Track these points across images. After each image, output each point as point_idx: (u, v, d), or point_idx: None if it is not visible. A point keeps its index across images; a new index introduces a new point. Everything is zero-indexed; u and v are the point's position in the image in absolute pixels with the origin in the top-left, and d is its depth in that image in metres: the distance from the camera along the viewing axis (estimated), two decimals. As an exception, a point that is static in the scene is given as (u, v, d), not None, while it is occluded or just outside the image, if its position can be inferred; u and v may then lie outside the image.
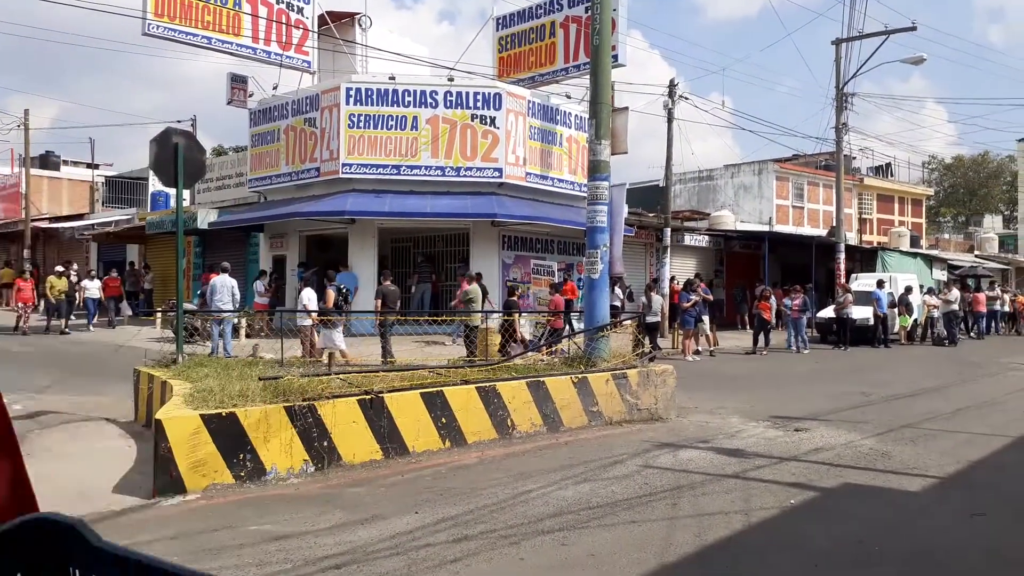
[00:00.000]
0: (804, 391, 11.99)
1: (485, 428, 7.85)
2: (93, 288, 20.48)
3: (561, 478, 6.43)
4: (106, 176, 37.81)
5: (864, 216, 35.36)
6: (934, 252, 33.89)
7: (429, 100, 18.32)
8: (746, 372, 14.61)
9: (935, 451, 7.61)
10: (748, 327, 21.82)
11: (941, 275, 30.37)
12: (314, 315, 12.70)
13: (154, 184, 31.56)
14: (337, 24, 21.24)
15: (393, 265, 18.91)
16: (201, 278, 21.25)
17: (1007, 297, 26.62)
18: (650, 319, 16.47)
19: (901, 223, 36.58)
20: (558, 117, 20.08)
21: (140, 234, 25.31)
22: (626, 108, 20.29)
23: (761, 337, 18.30)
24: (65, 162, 38.91)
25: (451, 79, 18.65)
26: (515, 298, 14.41)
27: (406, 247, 21.13)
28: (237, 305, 14.34)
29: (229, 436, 6.24)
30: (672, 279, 21.95)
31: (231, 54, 20.06)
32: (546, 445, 7.87)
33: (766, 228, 28.45)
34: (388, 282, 14.57)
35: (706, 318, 17.48)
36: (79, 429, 8.49)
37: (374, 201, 17.88)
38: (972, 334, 24.17)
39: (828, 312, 20.51)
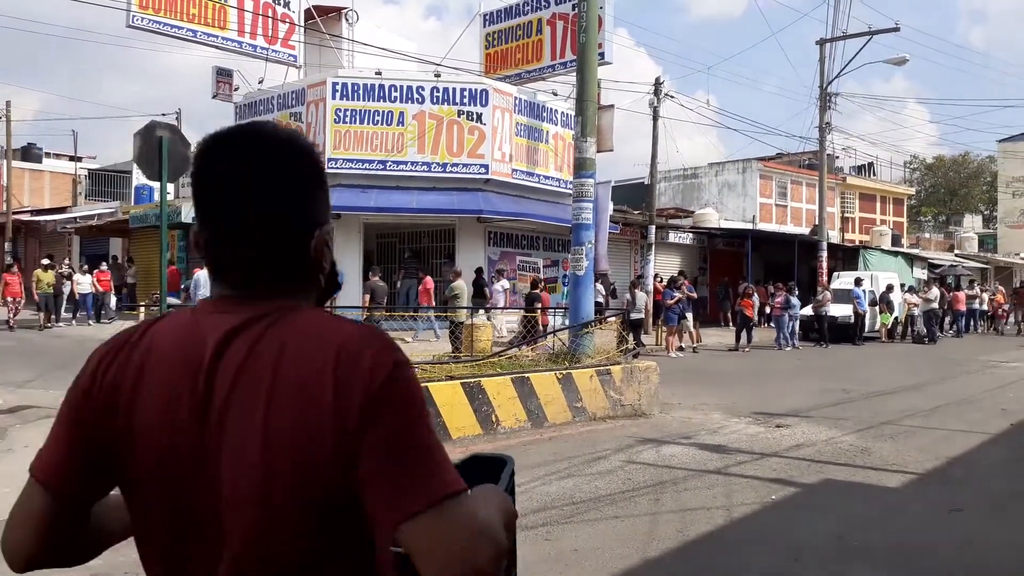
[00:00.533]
0: (786, 388, 12.11)
1: (470, 423, 7.87)
2: (86, 283, 20.23)
3: (545, 473, 6.47)
4: (89, 169, 37.44)
5: (846, 215, 35.69)
6: (915, 251, 34.26)
7: (416, 96, 18.28)
8: (728, 369, 14.72)
9: (914, 447, 7.72)
10: (731, 324, 21.98)
11: (922, 274, 30.71)
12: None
13: (138, 178, 31.28)
14: (324, 18, 21.14)
15: (379, 261, 18.88)
16: (168, 271, 21.08)
17: (986, 296, 26.93)
18: (634, 316, 16.54)
19: (883, 222, 36.95)
20: (544, 114, 20.10)
21: (123, 228, 25.08)
22: (612, 106, 20.36)
23: (744, 334, 18.43)
24: (47, 154, 38.49)
25: (438, 75, 18.62)
26: (538, 291, 14.50)
27: (392, 243, 21.08)
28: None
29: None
30: (656, 276, 22.05)
31: (216, 47, 19.92)
32: (530, 440, 7.91)
33: (750, 226, 28.64)
34: (376, 278, 14.55)
35: (690, 315, 17.58)
36: (60, 424, 8.41)
37: (360, 196, 17.82)
38: (951, 332, 24.45)
39: (807, 310, 20.70)
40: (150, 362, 1.08)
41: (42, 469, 1.10)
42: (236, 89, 21.67)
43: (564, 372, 8.90)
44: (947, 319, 24.76)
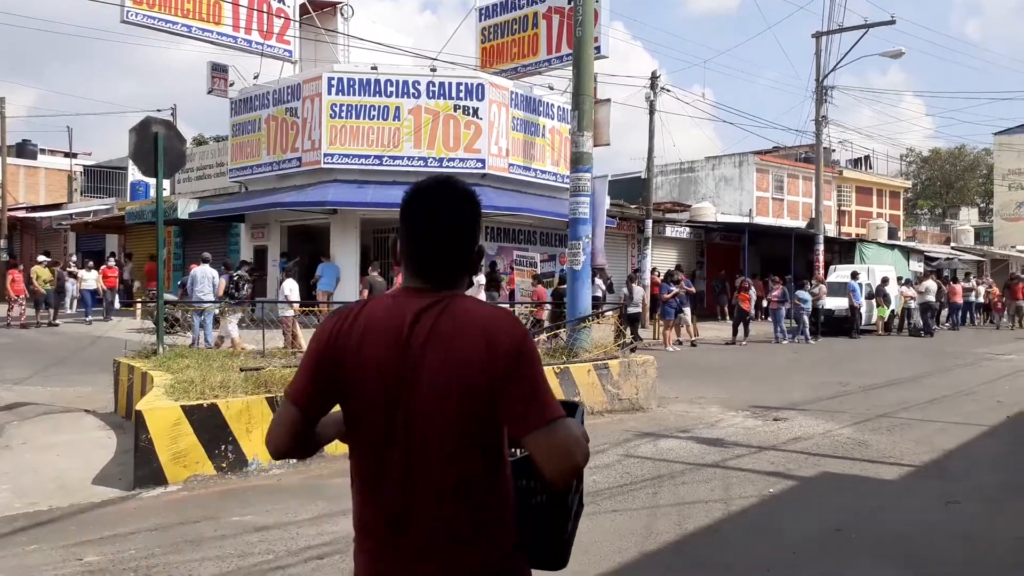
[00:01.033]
0: (783, 381, 12.13)
1: (468, 419, 7.88)
2: (90, 279, 20.11)
3: (543, 468, 6.46)
4: (84, 165, 37.33)
5: (843, 208, 35.71)
6: (911, 244, 34.30)
7: (412, 90, 18.24)
8: (726, 362, 14.74)
9: (911, 440, 7.74)
10: (728, 318, 22.01)
11: (918, 267, 30.75)
12: (296, 305, 12.66)
13: (134, 174, 31.19)
14: (319, 13, 21.07)
15: (376, 256, 18.86)
16: (145, 269, 20.98)
17: (982, 289, 26.97)
18: (631, 310, 16.57)
19: (879, 215, 37.00)
20: (541, 108, 20.07)
21: (119, 224, 25.04)
22: (608, 100, 20.33)
23: (741, 328, 18.45)
24: (42, 151, 38.36)
25: (434, 69, 18.58)
26: (564, 286, 14.62)
27: (388, 238, 21.07)
28: (218, 296, 14.26)
29: (210, 427, 6.23)
30: (654, 270, 22.07)
31: (211, 43, 19.86)
32: (528, 435, 7.90)
33: (746, 220, 28.66)
34: (375, 273, 14.52)
35: (687, 309, 17.60)
36: (58, 420, 8.42)
37: (356, 192, 17.79)
38: (947, 325, 24.50)
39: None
40: (368, 326, 1.67)
41: (293, 394, 1.73)
42: (231, 84, 21.62)
43: (562, 366, 8.91)
44: (944, 312, 24.81)
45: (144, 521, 5.17)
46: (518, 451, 1.84)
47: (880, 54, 24.65)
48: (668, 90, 23.08)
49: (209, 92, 21.66)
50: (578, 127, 10.22)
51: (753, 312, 20.10)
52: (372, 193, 17.77)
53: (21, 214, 30.71)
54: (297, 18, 20.87)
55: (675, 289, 17.04)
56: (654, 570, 4.41)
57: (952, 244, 39.42)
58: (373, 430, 1.67)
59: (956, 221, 49.51)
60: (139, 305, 18.27)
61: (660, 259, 24.51)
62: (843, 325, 20.34)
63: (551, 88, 20.62)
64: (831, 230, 31.47)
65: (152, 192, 22.94)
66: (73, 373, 11.35)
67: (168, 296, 16.18)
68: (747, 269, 24.75)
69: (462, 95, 18.36)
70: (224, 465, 6.26)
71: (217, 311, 12.73)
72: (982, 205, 59.74)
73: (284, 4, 20.65)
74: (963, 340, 20.32)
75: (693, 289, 19.13)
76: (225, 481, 6.15)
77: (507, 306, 16.97)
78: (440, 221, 1.72)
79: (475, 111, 18.37)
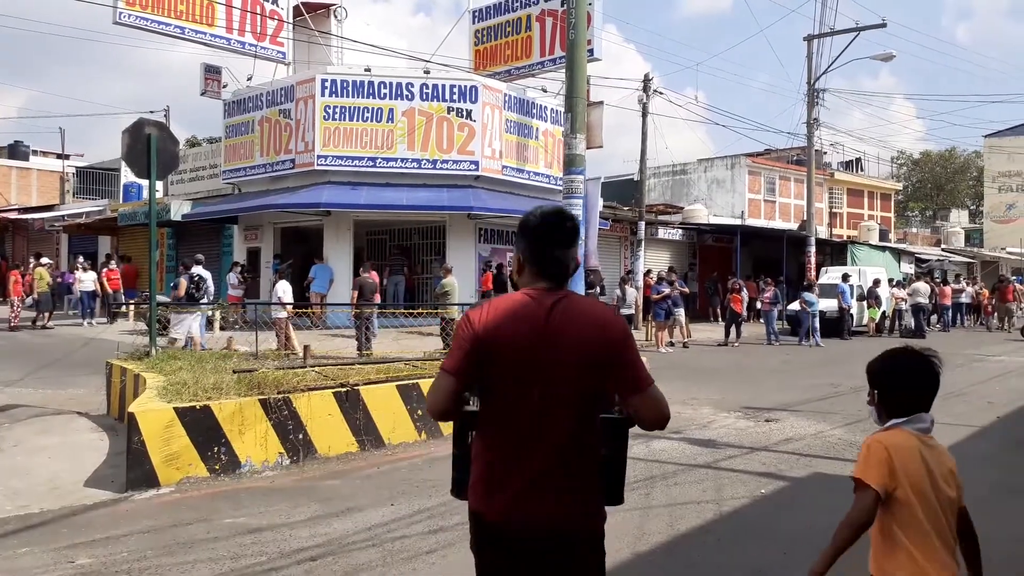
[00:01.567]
0: (775, 382, 12.18)
1: (461, 420, 7.89)
2: (88, 281, 19.93)
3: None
4: (77, 167, 37.21)
5: (834, 210, 35.87)
6: (902, 246, 34.48)
7: (405, 92, 18.27)
8: (718, 364, 14.79)
9: (901, 441, 7.77)
10: (720, 319, 22.07)
11: (909, 268, 30.90)
12: (289, 307, 12.66)
13: (126, 175, 31.12)
14: (312, 15, 21.07)
15: (369, 258, 18.87)
16: (122, 271, 20.74)
17: (971, 290, 27.09)
18: (624, 311, 16.61)
19: (870, 217, 37.18)
20: (534, 111, 20.11)
21: (112, 226, 24.95)
22: (601, 102, 20.38)
23: (733, 329, 18.51)
24: (34, 152, 38.22)
25: (427, 71, 18.60)
26: (595, 290, 14.88)
27: (382, 240, 21.07)
28: (211, 297, 14.23)
29: (203, 429, 6.22)
30: (647, 272, 22.12)
31: (204, 44, 19.85)
32: (521, 437, 7.92)
33: (738, 222, 28.76)
34: (367, 274, 14.53)
35: (680, 310, 17.64)
36: (50, 423, 8.39)
37: (349, 193, 17.80)
38: (938, 327, 24.61)
39: (795, 305, 20.77)
40: (509, 315, 2.19)
41: (452, 369, 2.19)
42: (225, 86, 21.60)
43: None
44: (934, 314, 24.92)
45: (136, 523, 5.17)
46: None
47: (871, 57, 24.78)
48: (661, 93, 23.15)
49: (202, 93, 21.63)
50: (571, 129, 10.26)
51: (745, 314, 20.16)
52: (365, 195, 17.77)
53: (13, 215, 30.58)
54: (290, 20, 20.87)
55: (665, 290, 17.07)
56: (647, 571, 4.43)
57: (943, 246, 39.63)
58: (514, 391, 2.18)
59: (946, 223, 49.80)
60: (131, 307, 18.17)
61: (653, 261, 24.57)
62: (834, 327, 20.40)
63: (544, 90, 20.67)
64: (823, 232, 31.61)
65: (145, 194, 22.86)
66: (65, 375, 11.31)
67: (160, 298, 16.13)
68: (739, 271, 24.83)
69: (455, 97, 18.39)
70: (217, 467, 6.25)
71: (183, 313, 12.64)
72: (972, 207, 60.12)
73: (277, 6, 20.64)
74: (954, 341, 20.42)
75: (687, 289, 19.18)
76: (218, 483, 6.15)
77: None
78: (566, 240, 2.30)
79: (468, 113, 18.40)
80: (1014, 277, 35.93)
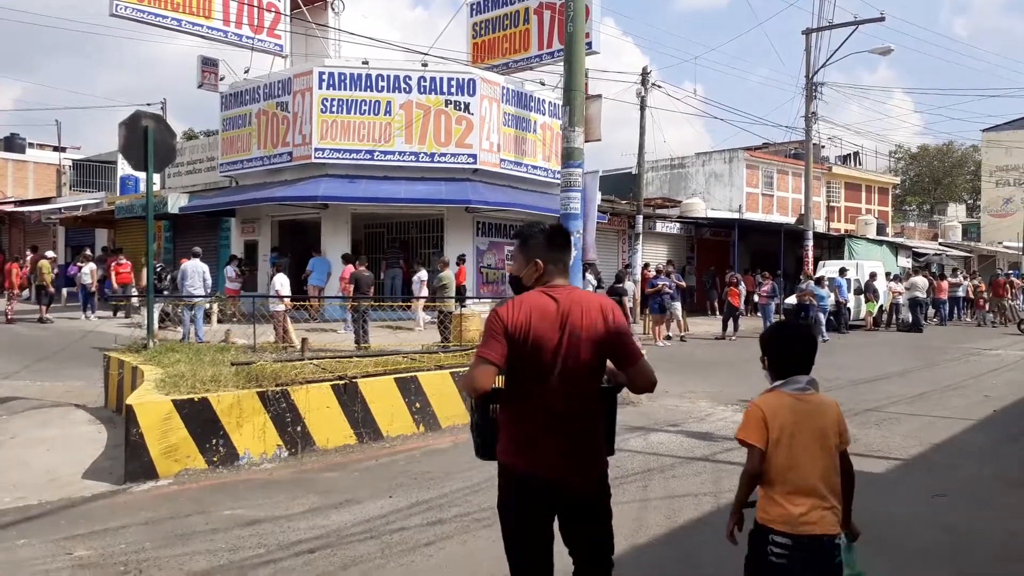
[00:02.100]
0: (773, 376, 12.16)
1: (459, 412, 7.90)
2: (86, 273, 19.82)
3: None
4: (73, 159, 37.09)
5: (832, 204, 35.90)
6: (900, 240, 34.51)
7: (403, 85, 18.21)
8: (715, 357, 14.81)
9: (899, 434, 7.81)
10: (718, 313, 22.09)
11: (906, 262, 30.94)
12: (287, 300, 12.65)
13: (123, 168, 31.04)
14: (310, 7, 21.00)
15: (367, 251, 18.84)
16: (118, 264, 20.52)
17: (968, 284, 27.08)
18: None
19: (868, 211, 37.20)
20: (532, 104, 20.07)
21: (109, 218, 24.89)
22: (599, 95, 20.35)
23: (730, 323, 18.53)
24: (31, 145, 38.09)
25: (425, 64, 18.54)
26: (622, 284, 14.83)
27: (379, 233, 21.03)
28: (208, 290, 14.22)
29: (201, 421, 6.22)
30: (645, 266, 22.13)
31: (201, 37, 19.76)
32: (519, 430, 7.92)
33: (736, 216, 28.76)
34: (362, 268, 14.53)
35: (678, 304, 17.65)
36: (48, 415, 8.39)
37: (347, 186, 17.75)
38: (935, 320, 24.65)
39: (792, 299, 20.79)
40: (534, 308, 2.73)
41: (491, 356, 2.68)
42: (222, 79, 21.51)
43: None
44: (931, 308, 24.94)
45: (134, 515, 5.17)
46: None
47: (869, 51, 24.73)
48: (659, 86, 23.10)
49: (199, 86, 21.54)
50: (569, 122, 10.23)
51: (743, 307, 20.17)
52: (363, 188, 17.74)
53: (9, 208, 30.50)
54: (288, 12, 20.79)
55: (660, 283, 17.07)
56: (645, 563, 4.44)
57: (940, 240, 39.66)
58: (540, 371, 2.72)
59: (944, 217, 49.86)
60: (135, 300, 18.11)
61: (651, 255, 24.58)
62: (832, 321, 20.41)
63: (542, 84, 20.62)
64: (820, 226, 31.62)
65: (142, 186, 22.79)
66: (63, 367, 11.30)
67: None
68: (737, 265, 24.84)
69: (453, 90, 18.35)
70: (215, 459, 6.25)
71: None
72: (969, 201, 60.15)
73: (275, -2, 20.55)
74: (950, 335, 20.47)
75: (683, 283, 19.18)
76: (216, 475, 6.15)
77: (497, 301, 17.07)
78: (569, 246, 3.03)
79: (466, 106, 18.35)
80: (1011, 271, 36.00)
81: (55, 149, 37.28)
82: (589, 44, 17.15)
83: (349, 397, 7.13)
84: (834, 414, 2.82)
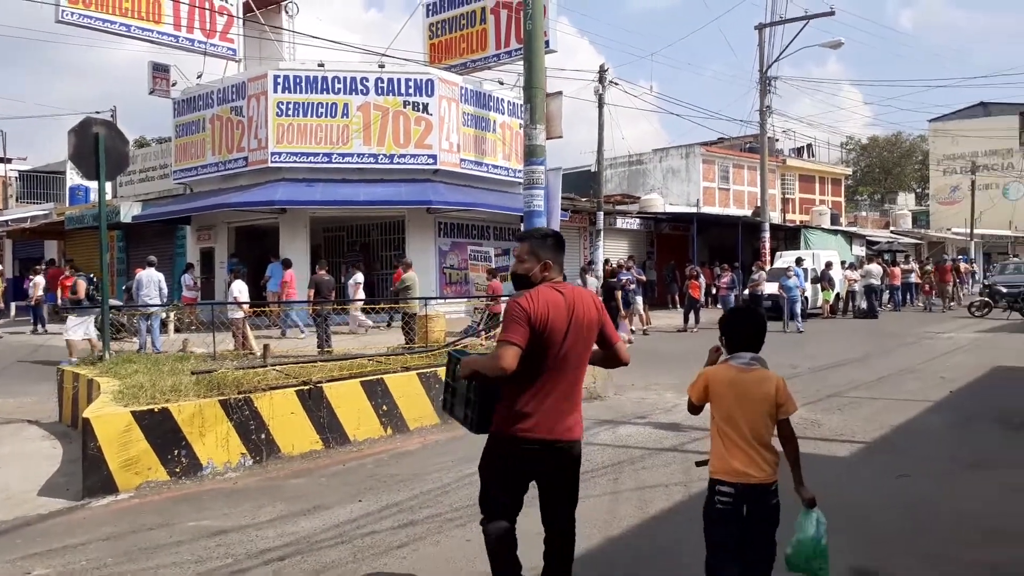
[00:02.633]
0: (736, 367, 12.30)
1: (427, 414, 7.84)
2: (40, 285, 19.14)
3: (504, 460, 6.46)
4: (20, 170, 35.99)
5: (787, 196, 36.49)
6: (853, 229, 35.24)
7: (360, 87, 18.06)
8: (678, 349, 14.93)
9: (860, 418, 7.96)
10: (679, 306, 22.30)
11: (860, 251, 31.60)
12: (245, 307, 12.44)
13: (72, 178, 30.24)
14: (263, 11, 20.71)
15: (327, 255, 18.64)
16: (48, 275, 19.90)
17: (919, 270, 27.65)
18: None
19: (822, 202, 37.90)
20: (491, 103, 20.05)
21: (59, 230, 24.23)
22: (560, 92, 20.39)
23: (692, 315, 18.71)
24: (-27, 156, 36.83)
25: (382, 65, 18.41)
26: (614, 279, 15.79)
27: (339, 236, 20.83)
28: (164, 300, 13.93)
29: (162, 432, 6.07)
30: (606, 262, 22.26)
31: (152, 42, 19.37)
32: (488, 428, 7.89)
33: (694, 210, 29.07)
34: (323, 272, 14.37)
35: (639, 298, 17.76)
36: None
37: (305, 190, 17.55)
38: (889, 306, 25.18)
39: (766, 289, 21.01)
40: (549, 301, 3.18)
41: (517, 340, 3.07)
42: (174, 84, 21.12)
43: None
44: (886, 294, 25.48)
45: (95, 531, 5.02)
46: None
47: (821, 44, 25.30)
48: (616, 83, 23.27)
49: (151, 92, 21.12)
50: (530, 120, 10.22)
51: (703, 299, 20.38)
52: (321, 191, 17.54)
53: (-47, 222, 29.49)
54: (241, 16, 20.47)
55: (624, 278, 17.08)
56: (619, 555, 4.44)
57: (891, 228, 40.59)
58: (555, 350, 3.19)
59: (894, 206, 51.08)
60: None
61: (612, 250, 24.74)
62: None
63: (501, 83, 20.62)
64: (776, 218, 32.13)
65: (93, 196, 22.19)
66: (13, 383, 10.95)
67: (113, 302, 15.73)
68: (696, 258, 25.14)
69: (411, 91, 18.24)
70: (178, 470, 6.11)
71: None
72: (918, 190, 61.72)
73: (227, 2, 20.24)
74: (905, 320, 20.94)
75: (644, 277, 19.31)
76: (179, 486, 6.01)
77: (466, 300, 17.03)
78: (562, 245, 3.48)
79: (425, 107, 18.27)
80: (960, 256, 36.96)
81: (0, 160, 36.17)
82: (547, 43, 17.12)
83: (314, 402, 7.03)
84: (773, 386, 3.24)
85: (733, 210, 32.21)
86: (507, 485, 3.34)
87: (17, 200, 33.59)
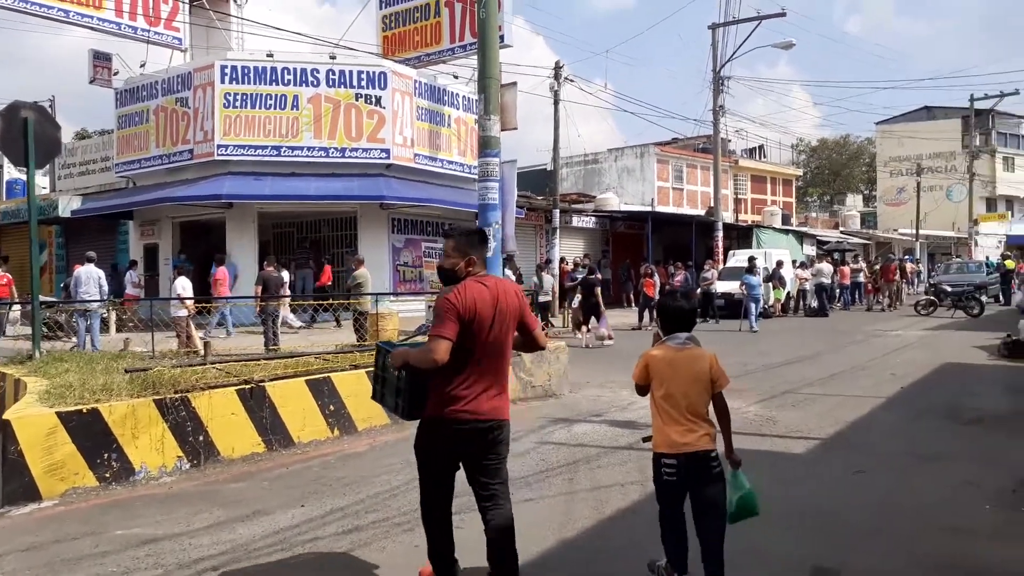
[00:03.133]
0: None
1: (376, 414, 7.57)
2: None
3: (456, 460, 6.25)
4: (-50, 163, 34.48)
5: (739, 196, 36.93)
6: (804, 229, 35.82)
7: (310, 78, 17.61)
8: (633, 347, 14.84)
9: (815, 414, 7.94)
10: (634, 304, 22.32)
11: (811, 250, 32.10)
12: (189, 304, 11.99)
13: (9, 172, 29.08)
14: (210, -2, 20.05)
15: (276, 251, 18.15)
16: None
17: (866, 269, 28.15)
18: (542, 298, 16.57)
19: (773, 202, 38.47)
20: (446, 98, 19.76)
21: (-7, 225, 23.22)
22: (515, 83, 20.08)
23: (646, 313, 18.71)
24: (-100, 148, 35.15)
25: (333, 57, 17.98)
26: (593, 277, 15.79)
27: (289, 232, 20.32)
28: (105, 297, 13.35)
29: (91, 435, 5.71)
30: (562, 260, 22.16)
31: (92, 29, 18.56)
32: (440, 428, 7.66)
33: (649, 209, 29.20)
34: (271, 268, 13.96)
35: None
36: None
37: (253, 184, 17.04)
38: (839, 305, 25.59)
39: (730, 287, 21.12)
40: (476, 296, 3.45)
41: (447, 333, 3.35)
42: (116, 74, 20.35)
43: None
44: (836, 292, 25.88)
45: (13, 541, 4.67)
46: None
47: (772, 45, 25.54)
48: (571, 80, 23.20)
49: (91, 82, 20.31)
50: (485, 110, 10.01)
51: (658, 298, 20.38)
52: (270, 185, 17.06)
53: None
54: (187, 2, 19.80)
55: (580, 277, 17.07)
56: (574, 557, 4.27)
57: (840, 229, 41.39)
58: (483, 338, 3.43)
59: (843, 207, 52.16)
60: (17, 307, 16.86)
61: (568, 249, 24.67)
62: (740, 308, 20.87)
63: (455, 77, 20.34)
64: (729, 217, 32.47)
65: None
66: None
67: (47, 299, 15.05)
68: (651, 256, 25.20)
69: (364, 84, 17.86)
70: (108, 475, 5.75)
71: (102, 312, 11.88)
72: (866, 192, 63.17)
73: (171, -12, 19.54)
74: (854, 319, 21.29)
75: (600, 275, 19.25)
76: (109, 492, 5.66)
77: (421, 298, 16.74)
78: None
79: (378, 100, 17.90)
80: (906, 256, 37.85)
81: (-70, 152, 34.57)
82: (502, 37, 16.87)
83: (256, 402, 6.72)
84: (707, 363, 3.59)
85: (687, 209, 32.46)
86: (440, 465, 3.60)
87: (-51, 194, 32.18)
